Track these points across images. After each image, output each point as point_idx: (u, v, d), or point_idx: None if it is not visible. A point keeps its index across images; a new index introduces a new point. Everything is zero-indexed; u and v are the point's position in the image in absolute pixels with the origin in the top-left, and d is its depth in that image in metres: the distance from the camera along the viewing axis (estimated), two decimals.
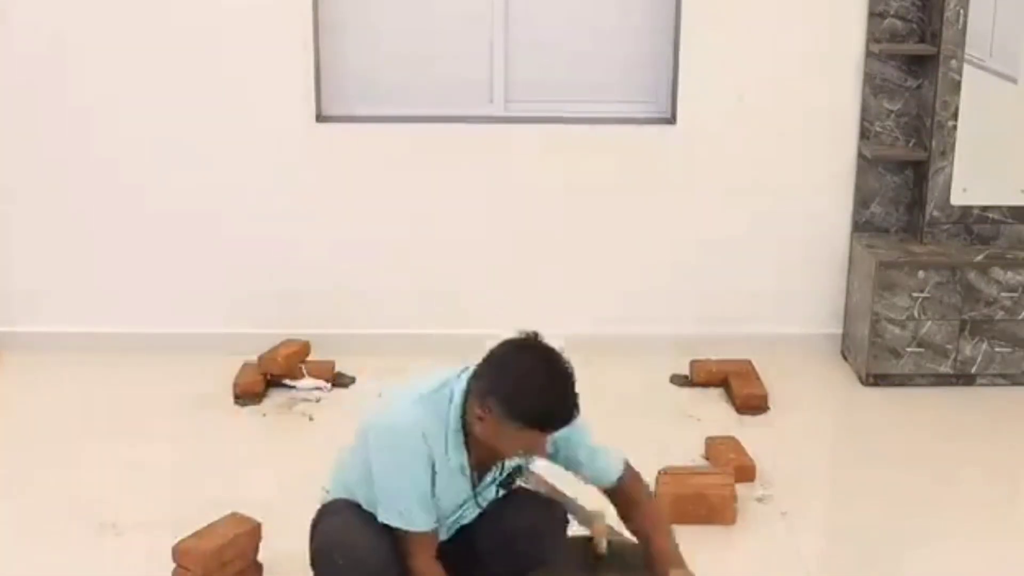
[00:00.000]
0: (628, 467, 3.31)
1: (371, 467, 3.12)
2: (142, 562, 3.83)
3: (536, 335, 3.03)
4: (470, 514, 3.25)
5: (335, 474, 3.35)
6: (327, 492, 3.36)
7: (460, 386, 3.07)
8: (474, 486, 3.18)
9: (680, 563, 3.17)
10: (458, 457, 3.09)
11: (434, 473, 3.08)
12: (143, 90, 5.11)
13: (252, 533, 3.75)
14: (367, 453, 3.13)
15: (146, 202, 5.24)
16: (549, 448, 3.10)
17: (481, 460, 3.14)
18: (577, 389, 2.98)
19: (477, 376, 3.03)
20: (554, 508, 3.37)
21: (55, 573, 3.81)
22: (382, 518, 3.11)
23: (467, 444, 3.08)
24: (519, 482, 3.30)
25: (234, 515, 3.77)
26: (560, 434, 3.07)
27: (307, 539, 3.28)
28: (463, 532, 3.27)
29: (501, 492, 3.25)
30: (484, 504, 3.25)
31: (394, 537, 3.10)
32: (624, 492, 3.28)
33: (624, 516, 3.29)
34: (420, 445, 3.04)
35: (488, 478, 3.21)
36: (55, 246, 5.28)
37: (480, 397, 2.98)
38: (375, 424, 3.13)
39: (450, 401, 3.07)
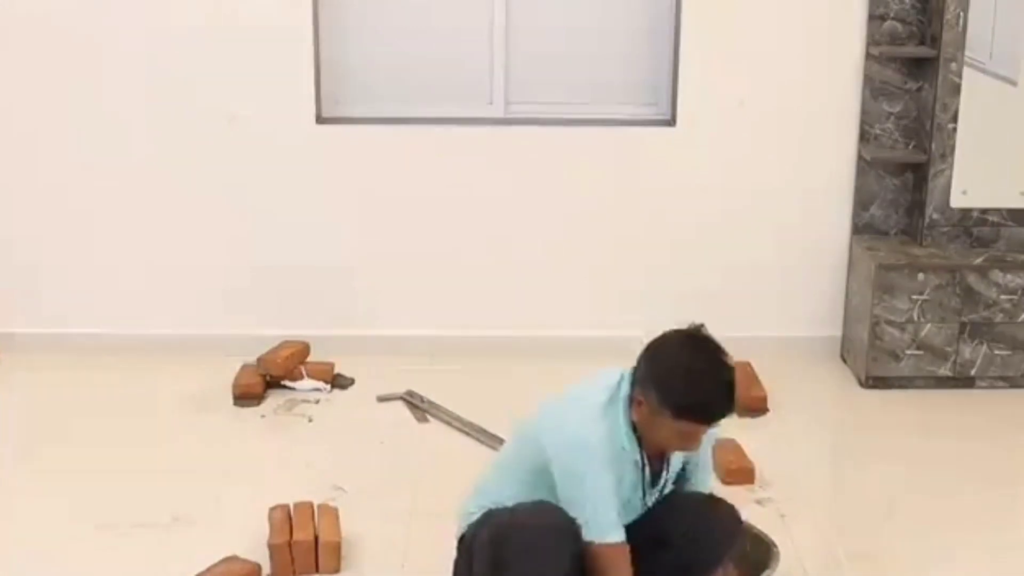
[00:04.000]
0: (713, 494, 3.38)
1: (559, 486, 3.09)
2: (142, 562, 3.84)
3: (701, 327, 3.10)
4: (640, 508, 3.24)
5: (483, 496, 3.28)
6: (472, 513, 3.28)
7: (625, 385, 3.13)
8: (645, 481, 3.19)
9: None
10: (633, 451, 3.12)
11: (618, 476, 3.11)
12: (143, 90, 5.12)
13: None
14: (548, 467, 3.10)
15: (146, 202, 5.24)
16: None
17: (651, 455, 3.17)
18: (735, 385, 3.01)
19: (637, 365, 3.10)
20: (727, 510, 3.37)
21: (55, 573, 3.80)
22: (584, 535, 3.07)
23: (638, 439, 3.12)
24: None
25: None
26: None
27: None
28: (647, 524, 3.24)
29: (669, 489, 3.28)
30: (651, 503, 3.26)
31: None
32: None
33: None
34: (603, 451, 3.05)
35: (661, 479, 3.22)
36: (55, 246, 5.28)
37: (639, 385, 3.05)
38: (559, 442, 3.09)
39: (620, 400, 3.11)
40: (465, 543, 3.29)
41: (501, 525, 3.14)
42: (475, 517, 3.27)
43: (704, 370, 3.00)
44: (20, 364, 5.21)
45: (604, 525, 3.07)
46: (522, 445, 3.26)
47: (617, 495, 3.11)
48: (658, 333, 3.14)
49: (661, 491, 3.28)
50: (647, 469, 3.19)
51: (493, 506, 3.23)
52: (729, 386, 3.01)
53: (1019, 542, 4.06)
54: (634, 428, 3.11)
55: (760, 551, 3.63)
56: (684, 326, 3.11)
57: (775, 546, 3.63)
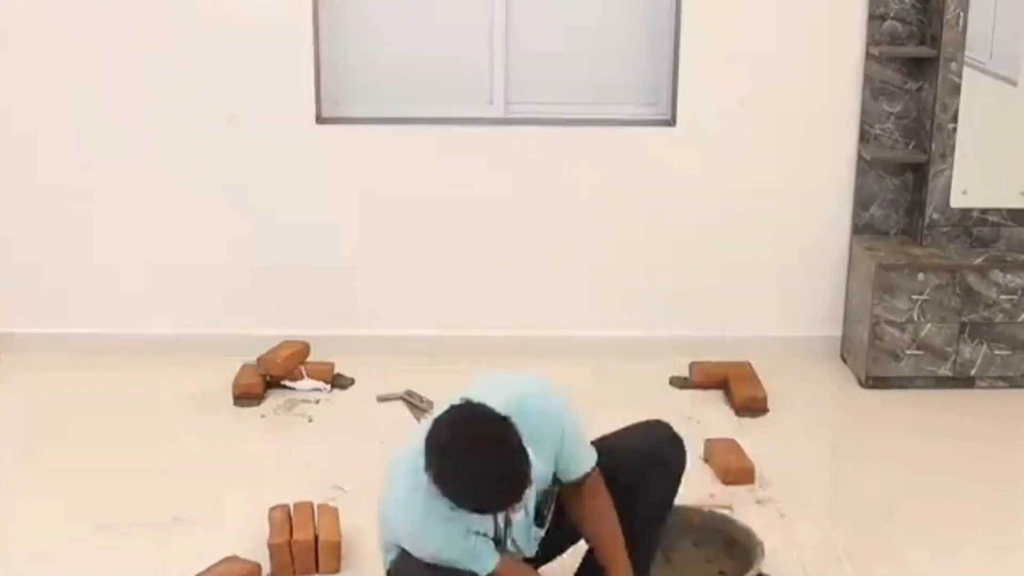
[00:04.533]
0: (596, 470, 3.24)
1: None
2: (142, 562, 3.84)
3: (468, 401, 2.95)
4: (531, 546, 3.21)
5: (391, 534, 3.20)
6: (390, 548, 3.20)
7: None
8: (499, 525, 3.11)
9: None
10: (464, 515, 2.96)
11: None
12: (143, 90, 5.12)
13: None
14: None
15: (146, 202, 5.24)
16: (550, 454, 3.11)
17: None
18: (515, 468, 2.85)
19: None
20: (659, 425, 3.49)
21: (55, 573, 3.81)
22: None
23: None
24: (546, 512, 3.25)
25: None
26: (566, 438, 3.13)
27: None
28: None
29: (538, 531, 3.22)
30: (534, 541, 3.22)
31: None
32: (587, 489, 3.23)
33: (579, 515, 3.25)
34: (433, 520, 2.97)
35: (515, 519, 3.13)
36: (55, 246, 5.29)
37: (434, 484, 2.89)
38: (397, 527, 3.05)
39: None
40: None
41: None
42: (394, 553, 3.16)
43: (487, 474, 2.83)
44: (20, 364, 5.21)
45: (481, 560, 3.01)
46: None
47: (470, 537, 3.01)
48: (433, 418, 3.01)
49: (549, 499, 3.20)
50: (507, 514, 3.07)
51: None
52: (506, 481, 2.85)
53: (1019, 542, 4.06)
54: None
55: (749, 544, 3.66)
56: (453, 407, 2.97)
57: (760, 544, 3.65)
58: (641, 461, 3.34)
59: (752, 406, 4.91)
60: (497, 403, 2.95)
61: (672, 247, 5.32)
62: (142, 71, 5.10)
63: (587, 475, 3.22)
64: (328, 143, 5.22)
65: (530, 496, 3.11)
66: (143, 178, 5.22)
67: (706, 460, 4.47)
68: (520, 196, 5.28)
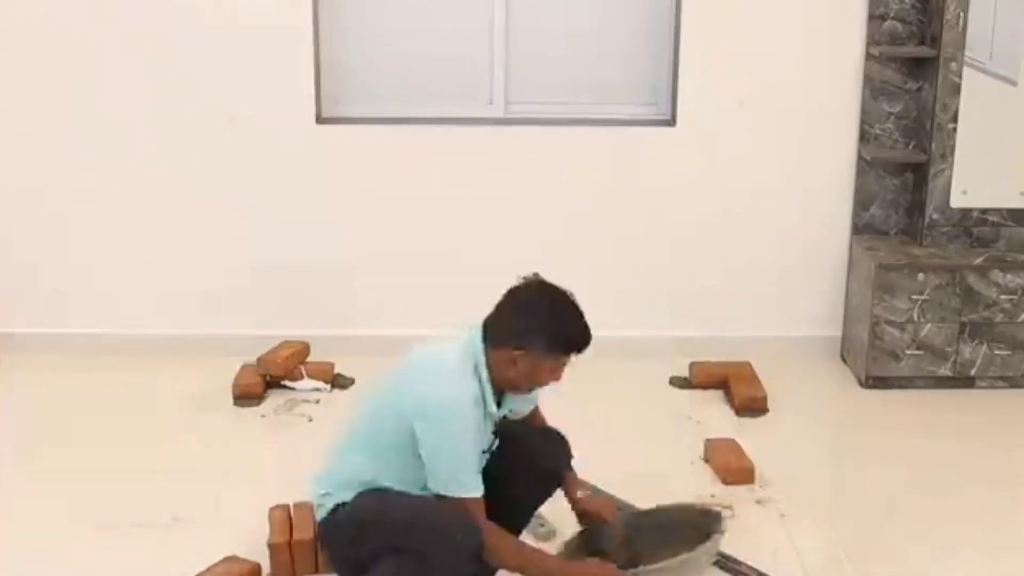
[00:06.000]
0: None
1: (424, 443, 3.22)
2: (142, 562, 3.84)
3: (537, 275, 3.48)
4: (485, 459, 3.41)
5: (337, 475, 3.39)
6: (327, 495, 3.39)
7: (477, 345, 3.34)
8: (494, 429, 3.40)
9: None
10: (494, 408, 3.34)
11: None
12: (143, 90, 5.12)
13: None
14: (409, 431, 3.24)
15: (146, 203, 5.24)
16: None
17: (498, 403, 3.38)
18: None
19: (498, 326, 3.37)
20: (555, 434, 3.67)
21: (55, 573, 3.80)
22: (440, 489, 3.24)
23: (495, 391, 3.33)
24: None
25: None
26: None
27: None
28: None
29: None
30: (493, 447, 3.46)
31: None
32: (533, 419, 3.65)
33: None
34: (475, 411, 3.25)
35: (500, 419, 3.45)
36: (55, 246, 5.29)
37: (514, 341, 3.29)
38: (431, 399, 3.24)
39: (475, 359, 3.32)
40: (339, 522, 3.36)
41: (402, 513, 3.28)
42: (334, 500, 3.37)
43: (573, 306, 3.40)
44: (20, 364, 5.21)
45: (467, 482, 3.25)
46: (378, 421, 3.37)
47: (479, 450, 3.31)
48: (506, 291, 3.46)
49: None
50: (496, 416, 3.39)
51: (360, 487, 3.33)
52: (583, 317, 3.40)
53: (1019, 542, 4.06)
54: (491, 382, 3.32)
55: (709, 519, 3.61)
56: (522, 278, 3.48)
57: (724, 513, 3.65)
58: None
59: (752, 406, 4.91)
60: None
61: (672, 247, 5.32)
62: (142, 71, 5.10)
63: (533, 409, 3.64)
64: (328, 143, 5.22)
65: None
66: (143, 178, 5.22)
67: (706, 460, 4.47)
68: (520, 196, 5.28)
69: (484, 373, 3.32)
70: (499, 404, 3.38)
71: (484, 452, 3.39)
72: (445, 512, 3.22)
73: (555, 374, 3.37)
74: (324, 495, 3.40)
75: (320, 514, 3.43)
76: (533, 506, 3.64)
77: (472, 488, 3.25)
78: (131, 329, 5.32)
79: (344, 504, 3.35)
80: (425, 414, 3.22)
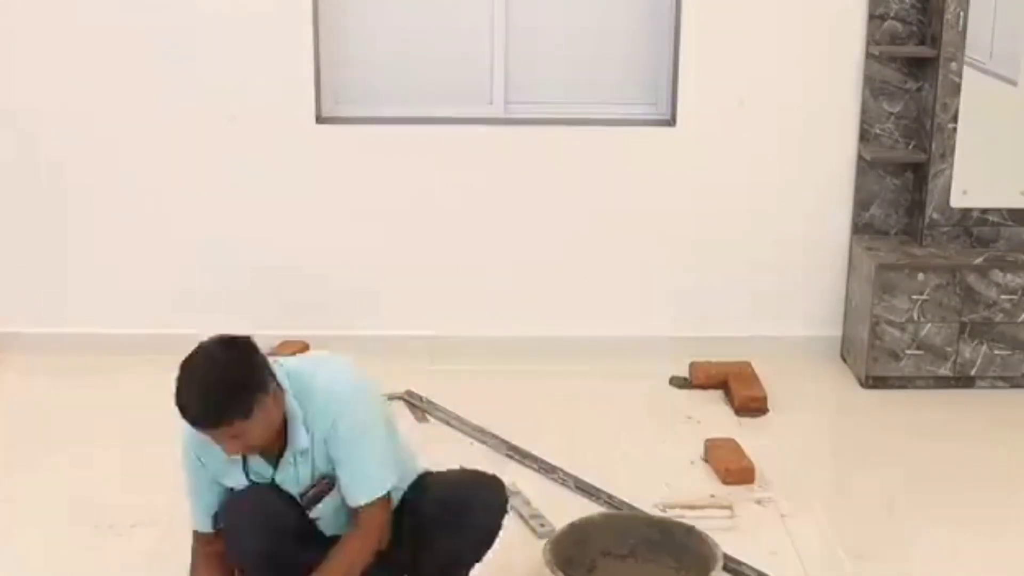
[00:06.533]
0: (370, 509, 3.16)
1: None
2: (142, 562, 3.84)
3: (222, 338, 3.08)
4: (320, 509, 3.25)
5: None
6: None
7: None
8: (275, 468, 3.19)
9: None
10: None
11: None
12: (142, 91, 5.12)
13: None
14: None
15: (146, 203, 5.24)
16: (302, 444, 3.11)
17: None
18: (219, 395, 2.97)
19: None
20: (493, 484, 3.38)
21: (55, 573, 3.81)
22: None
23: None
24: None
25: None
26: (339, 436, 3.11)
27: None
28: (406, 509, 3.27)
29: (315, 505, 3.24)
30: (323, 509, 3.24)
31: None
32: (357, 519, 3.18)
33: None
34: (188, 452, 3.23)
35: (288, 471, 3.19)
36: (55, 246, 5.28)
37: None
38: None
39: None
40: None
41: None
42: None
43: (184, 378, 3.01)
44: (20, 364, 5.21)
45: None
46: None
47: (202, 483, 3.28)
48: None
49: (320, 489, 3.22)
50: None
51: None
52: (205, 394, 2.97)
53: (1019, 542, 4.05)
54: None
55: (703, 549, 3.53)
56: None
57: (717, 546, 3.52)
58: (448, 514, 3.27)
59: (752, 406, 4.91)
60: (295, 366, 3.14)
61: (672, 247, 5.32)
62: (142, 71, 5.10)
63: (360, 507, 3.15)
64: (328, 143, 5.22)
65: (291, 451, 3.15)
66: (143, 178, 5.21)
67: (706, 460, 4.47)
68: (520, 196, 5.28)
69: None
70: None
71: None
72: None
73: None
74: None
75: None
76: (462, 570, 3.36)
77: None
78: (131, 329, 5.32)
79: None
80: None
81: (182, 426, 3.08)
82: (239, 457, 3.15)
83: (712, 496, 4.22)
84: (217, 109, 5.13)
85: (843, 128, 5.21)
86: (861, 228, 5.30)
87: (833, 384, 5.22)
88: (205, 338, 3.10)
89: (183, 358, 3.07)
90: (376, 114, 5.25)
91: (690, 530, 3.58)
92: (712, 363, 5.14)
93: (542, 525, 3.94)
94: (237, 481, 3.22)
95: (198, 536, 3.32)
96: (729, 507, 4.12)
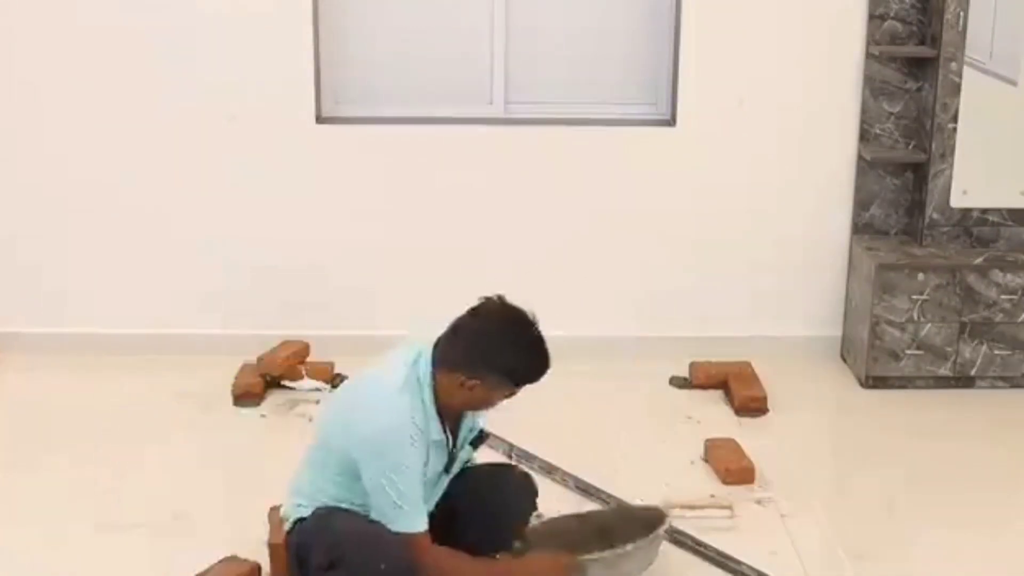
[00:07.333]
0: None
1: (364, 475, 3.17)
2: (142, 562, 3.84)
3: (501, 297, 3.29)
4: (445, 481, 3.36)
5: (302, 491, 3.38)
6: (301, 506, 3.37)
7: (424, 365, 3.22)
8: (450, 454, 3.32)
9: None
10: (439, 433, 3.24)
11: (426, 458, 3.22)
12: (142, 91, 5.12)
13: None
14: (354, 461, 3.18)
15: (147, 203, 5.24)
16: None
17: (449, 427, 3.30)
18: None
19: (453, 350, 3.23)
20: (527, 482, 3.57)
21: (55, 573, 3.80)
22: (382, 522, 3.17)
23: (440, 417, 3.23)
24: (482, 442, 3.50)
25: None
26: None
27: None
28: (445, 501, 3.36)
29: (469, 454, 3.43)
30: (455, 469, 3.38)
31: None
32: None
33: None
34: (415, 444, 3.14)
35: (459, 442, 3.36)
36: (55, 245, 5.28)
37: (470, 370, 3.17)
38: (368, 431, 3.16)
39: (420, 381, 3.20)
40: (291, 539, 3.39)
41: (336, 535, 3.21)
42: (297, 513, 3.37)
43: (535, 336, 3.23)
44: (20, 364, 5.21)
45: (402, 517, 3.16)
46: (326, 449, 3.32)
47: (422, 480, 3.20)
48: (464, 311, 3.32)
49: (454, 461, 3.39)
50: (450, 444, 3.30)
51: (314, 506, 3.32)
52: (545, 345, 3.24)
53: (1019, 542, 4.06)
54: (435, 406, 3.22)
55: (651, 515, 3.66)
56: (485, 298, 3.30)
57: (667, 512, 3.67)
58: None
59: (752, 406, 4.91)
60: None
61: (672, 247, 5.32)
62: (142, 71, 5.10)
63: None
64: (328, 143, 5.22)
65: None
66: (143, 178, 5.21)
67: (706, 460, 4.47)
68: (520, 196, 5.28)
69: (428, 396, 3.21)
70: (446, 428, 3.27)
71: (445, 472, 3.34)
72: (380, 540, 3.14)
73: (506, 399, 3.28)
74: (296, 506, 3.40)
75: (285, 527, 3.44)
76: (489, 552, 3.46)
77: (411, 522, 3.16)
78: (131, 329, 5.32)
79: (303, 520, 3.35)
80: (362, 446, 3.15)
81: (402, 426, 3.13)
82: (447, 444, 3.29)
83: (712, 496, 4.22)
84: (217, 109, 5.13)
85: (843, 128, 5.21)
86: (861, 228, 5.30)
87: (833, 384, 5.22)
88: (487, 302, 3.30)
89: (507, 320, 3.25)
90: (376, 114, 5.25)
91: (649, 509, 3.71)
92: (712, 363, 5.14)
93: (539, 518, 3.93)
94: (435, 468, 3.29)
95: (426, 536, 3.21)
96: (729, 507, 4.12)
